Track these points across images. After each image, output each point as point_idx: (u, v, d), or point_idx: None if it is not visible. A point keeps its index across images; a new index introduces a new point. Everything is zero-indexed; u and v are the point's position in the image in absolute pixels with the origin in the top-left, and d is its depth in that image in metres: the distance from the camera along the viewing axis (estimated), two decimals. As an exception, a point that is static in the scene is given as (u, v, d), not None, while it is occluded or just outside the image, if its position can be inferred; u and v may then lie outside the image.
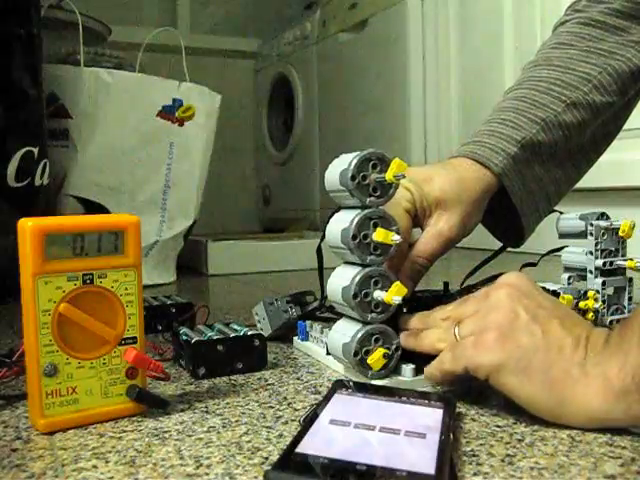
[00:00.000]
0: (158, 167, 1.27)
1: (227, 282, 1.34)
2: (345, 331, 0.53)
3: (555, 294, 0.61)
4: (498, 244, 0.73)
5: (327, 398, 0.43)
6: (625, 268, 0.64)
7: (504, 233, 0.72)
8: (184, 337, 0.59)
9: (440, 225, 0.61)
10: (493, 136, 0.66)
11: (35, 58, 1.06)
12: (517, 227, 0.69)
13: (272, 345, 0.69)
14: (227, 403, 0.50)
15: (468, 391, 0.49)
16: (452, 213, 0.61)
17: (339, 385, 0.46)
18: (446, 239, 0.61)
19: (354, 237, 0.51)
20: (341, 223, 0.53)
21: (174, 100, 1.27)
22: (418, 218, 0.62)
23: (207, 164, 1.38)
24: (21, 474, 0.38)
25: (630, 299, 0.65)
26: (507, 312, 0.45)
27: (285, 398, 0.51)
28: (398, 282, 0.52)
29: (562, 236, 0.69)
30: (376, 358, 0.52)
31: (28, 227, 0.43)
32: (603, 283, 0.63)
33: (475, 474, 0.36)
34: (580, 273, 0.66)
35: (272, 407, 0.49)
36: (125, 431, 0.44)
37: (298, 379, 0.57)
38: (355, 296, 0.51)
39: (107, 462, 0.39)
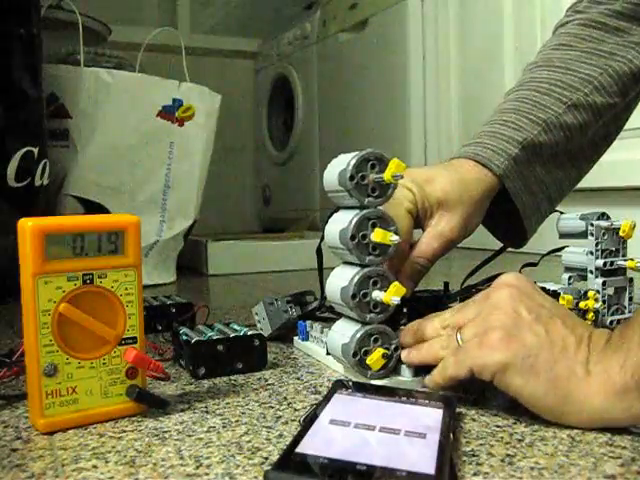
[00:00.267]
0: (158, 167, 1.27)
1: (227, 282, 1.34)
2: (344, 331, 0.53)
3: (555, 294, 0.61)
4: (498, 244, 0.73)
5: (327, 398, 0.43)
6: (625, 268, 0.64)
7: (505, 234, 0.72)
8: (184, 337, 0.59)
9: (441, 226, 0.61)
10: (494, 137, 0.66)
11: (35, 58, 1.06)
12: (519, 228, 0.69)
13: (272, 345, 0.69)
14: (227, 403, 0.50)
15: (470, 392, 0.49)
16: (453, 214, 0.61)
17: (339, 385, 0.46)
18: (447, 240, 0.61)
19: (353, 237, 0.51)
20: (340, 223, 0.52)
21: (174, 100, 1.27)
22: (419, 219, 0.61)
23: (207, 164, 1.38)
24: (21, 474, 0.38)
25: (630, 299, 0.65)
26: (510, 312, 0.45)
27: (285, 398, 0.51)
28: (397, 282, 0.52)
29: (562, 236, 0.69)
30: (375, 358, 0.52)
31: (28, 227, 0.43)
32: (603, 283, 0.63)
33: (475, 474, 0.36)
34: (580, 273, 0.66)
35: (272, 407, 0.49)
36: (125, 431, 0.44)
37: (298, 379, 0.57)
38: (354, 296, 0.51)
39: (107, 462, 0.39)
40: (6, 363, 0.56)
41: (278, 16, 2.98)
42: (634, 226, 0.64)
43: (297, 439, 0.36)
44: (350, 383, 0.47)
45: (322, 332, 0.63)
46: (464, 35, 1.94)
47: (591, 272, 0.64)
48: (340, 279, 0.53)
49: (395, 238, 0.51)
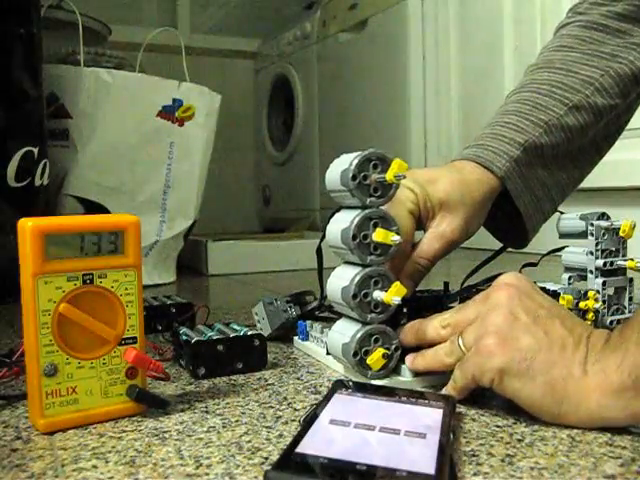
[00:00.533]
0: (158, 167, 1.27)
1: (227, 282, 1.34)
2: (344, 331, 0.53)
3: (555, 294, 0.61)
4: (498, 244, 0.73)
5: (327, 398, 0.43)
6: (625, 268, 0.64)
7: (507, 235, 0.72)
8: (184, 337, 0.59)
9: (443, 227, 0.61)
10: (496, 139, 0.66)
11: (35, 58, 1.06)
12: (520, 229, 0.69)
13: (272, 345, 0.69)
14: (227, 403, 0.50)
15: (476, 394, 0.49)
16: (455, 215, 0.61)
17: (339, 385, 0.46)
18: (448, 241, 0.61)
19: (354, 237, 0.51)
20: (341, 223, 0.53)
21: (174, 100, 1.27)
22: (421, 219, 0.62)
23: (207, 164, 1.38)
24: (21, 474, 0.38)
25: (630, 299, 0.65)
26: (506, 314, 0.45)
27: (285, 398, 0.51)
28: (398, 282, 0.52)
29: (562, 236, 0.69)
30: (375, 358, 0.52)
31: (28, 227, 0.43)
32: (603, 283, 0.63)
33: (475, 474, 0.36)
34: (580, 273, 0.66)
35: (272, 407, 0.49)
36: (125, 431, 0.44)
37: (298, 379, 0.57)
38: (355, 296, 0.51)
39: (107, 462, 0.39)
40: (6, 363, 0.56)
41: (278, 16, 2.98)
42: (634, 226, 0.64)
43: (297, 439, 0.36)
44: (350, 383, 0.47)
45: (322, 332, 0.63)
46: (464, 35, 1.94)
47: (591, 272, 0.64)
48: (341, 279, 0.53)
49: (396, 238, 0.51)
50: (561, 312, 0.47)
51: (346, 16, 2.30)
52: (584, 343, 0.43)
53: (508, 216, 0.69)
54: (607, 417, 0.41)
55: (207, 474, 0.37)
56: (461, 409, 0.47)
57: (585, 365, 0.42)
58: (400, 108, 2.06)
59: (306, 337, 0.67)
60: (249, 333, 0.60)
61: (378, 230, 0.51)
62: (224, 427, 0.45)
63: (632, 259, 0.63)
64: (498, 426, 0.44)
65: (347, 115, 2.34)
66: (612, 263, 0.63)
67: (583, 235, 0.65)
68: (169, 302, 0.80)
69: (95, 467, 0.38)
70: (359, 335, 0.52)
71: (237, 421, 0.46)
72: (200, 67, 1.80)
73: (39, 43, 1.07)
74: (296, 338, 0.69)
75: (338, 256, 0.55)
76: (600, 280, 0.63)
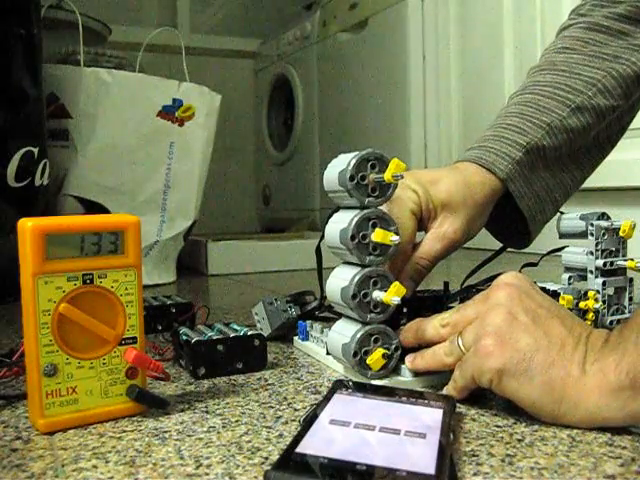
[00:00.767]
0: (158, 167, 1.27)
1: (227, 282, 1.34)
2: (344, 331, 0.53)
3: (555, 294, 0.61)
4: (498, 244, 0.73)
5: (327, 398, 0.43)
6: (625, 268, 0.64)
7: (508, 236, 0.72)
8: (184, 337, 0.59)
9: (444, 228, 0.61)
10: (498, 141, 0.66)
11: (35, 58, 1.06)
12: (522, 230, 0.69)
13: (272, 345, 0.69)
14: (227, 403, 0.50)
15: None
16: (457, 216, 0.61)
17: (339, 385, 0.46)
18: (450, 242, 0.61)
19: (353, 237, 0.51)
20: (340, 223, 0.53)
21: (174, 100, 1.27)
22: (423, 220, 0.62)
23: (207, 164, 1.38)
24: (21, 474, 0.38)
25: (630, 299, 0.65)
26: (505, 314, 0.45)
27: (285, 398, 0.51)
28: (397, 282, 0.52)
29: (562, 236, 0.69)
30: (375, 358, 0.52)
31: (28, 227, 0.43)
32: (603, 283, 0.63)
33: (475, 474, 0.36)
34: (580, 273, 0.66)
35: (272, 407, 0.49)
36: (125, 431, 0.44)
37: (298, 379, 0.57)
38: (354, 296, 0.51)
39: (107, 462, 0.39)
40: (6, 363, 0.56)
41: (278, 16, 2.98)
42: (634, 226, 0.64)
43: (297, 439, 0.36)
44: (350, 383, 0.47)
45: (322, 332, 0.63)
46: (464, 35, 1.94)
47: (591, 272, 0.64)
48: (340, 279, 0.53)
49: (395, 238, 0.51)
50: (561, 312, 0.47)
51: (346, 16, 2.30)
52: (583, 343, 0.43)
53: (510, 217, 0.69)
54: (605, 417, 0.41)
55: (207, 474, 0.37)
56: (461, 409, 0.47)
57: (584, 365, 0.42)
58: (400, 108, 2.06)
59: (306, 337, 0.67)
60: (249, 333, 0.60)
61: (377, 230, 0.51)
62: (224, 427, 0.45)
63: (632, 259, 0.63)
64: (498, 426, 0.44)
65: (347, 115, 2.34)
66: (612, 263, 0.63)
67: (583, 235, 0.65)
68: (169, 302, 0.80)
69: (95, 467, 0.38)
70: (359, 335, 0.52)
71: (237, 421, 0.46)
72: (200, 67, 1.81)
73: (39, 43, 1.07)
74: (296, 338, 0.69)
75: (337, 256, 0.55)
76: (600, 280, 0.63)
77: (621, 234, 0.64)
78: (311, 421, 0.39)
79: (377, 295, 0.52)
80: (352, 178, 0.50)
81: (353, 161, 0.51)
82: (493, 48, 1.82)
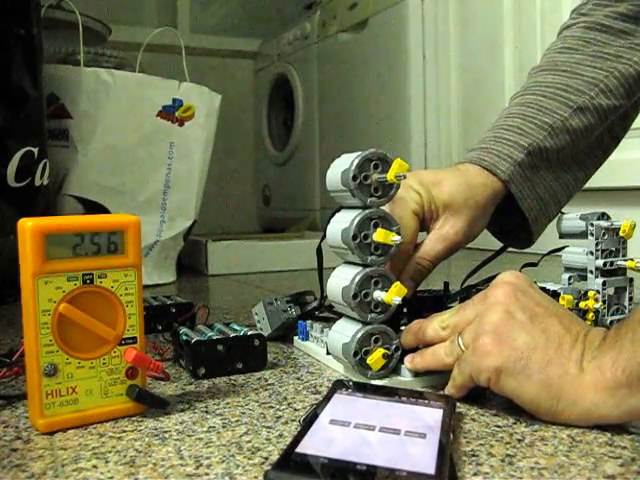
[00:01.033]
0: (158, 167, 1.27)
1: (227, 282, 1.34)
2: (345, 331, 0.53)
3: (555, 294, 0.61)
4: (498, 244, 0.73)
5: (327, 398, 0.43)
6: (625, 268, 0.64)
7: (510, 236, 0.72)
8: (184, 337, 0.59)
9: (446, 229, 0.61)
10: (500, 143, 0.66)
11: (35, 58, 1.06)
12: (525, 231, 0.69)
13: (272, 345, 0.69)
14: (227, 403, 0.50)
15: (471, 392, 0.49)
16: (459, 217, 0.61)
17: (339, 385, 0.46)
18: (451, 243, 0.61)
19: (354, 237, 0.51)
20: (342, 223, 0.53)
21: (174, 100, 1.27)
22: (425, 221, 0.62)
23: (207, 164, 1.38)
24: (21, 474, 0.38)
25: (630, 299, 0.65)
26: (502, 312, 0.45)
27: (285, 398, 0.51)
28: (398, 282, 0.52)
29: (563, 236, 0.69)
30: (376, 358, 0.52)
31: (28, 227, 0.43)
32: (604, 283, 0.63)
33: (475, 474, 0.36)
34: (580, 273, 0.66)
35: (272, 407, 0.49)
36: (125, 431, 0.44)
37: (298, 379, 0.57)
38: (355, 296, 0.51)
39: (107, 462, 0.39)
40: (6, 363, 0.56)
41: (278, 16, 2.98)
42: (634, 226, 0.64)
43: (297, 439, 0.36)
44: (350, 383, 0.47)
45: (322, 332, 0.63)
46: (464, 35, 1.94)
47: (591, 272, 0.64)
48: (341, 279, 0.53)
49: (397, 238, 0.51)
50: (559, 310, 0.47)
51: (346, 16, 2.30)
52: (581, 341, 0.43)
53: (512, 218, 0.69)
54: (602, 414, 0.41)
55: (207, 474, 0.37)
56: (461, 409, 0.47)
57: (581, 363, 0.42)
58: (400, 108, 2.06)
59: (306, 337, 0.67)
60: (249, 333, 0.60)
61: (379, 230, 0.51)
62: (224, 427, 0.45)
63: (632, 259, 0.63)
64: (498, 426, 0.44)
65: (347, 115, 2.34)
66: (612, 263, 0.63)
67: (583, 235, 0.65)
68: (169, 302, 0.80)
69: (95, 467, 0.38)
70: (359, 335, 0.52)
71: (237, 421, 0.46)
72: (200, 67, 1.81)
73: (39, 43, 1.07)
74: (296, 338, 0.69)
75: (338, 256, 0.55)
76: (600, 280, 0.63)
77: (621, 234, 0.64)
78: (311, 421, 0.39)
79: (378, 295, 0.52)
80: (355, 178, 0.50)
81: (356, 161, 0.51)
82: (493, 48, 1.82)
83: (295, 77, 2.66)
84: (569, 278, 0.67)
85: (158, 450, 0.41)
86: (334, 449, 0.35)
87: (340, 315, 0.57)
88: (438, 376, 0.52)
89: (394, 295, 0.51)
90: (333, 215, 0.56)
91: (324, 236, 0.57)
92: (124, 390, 0.47)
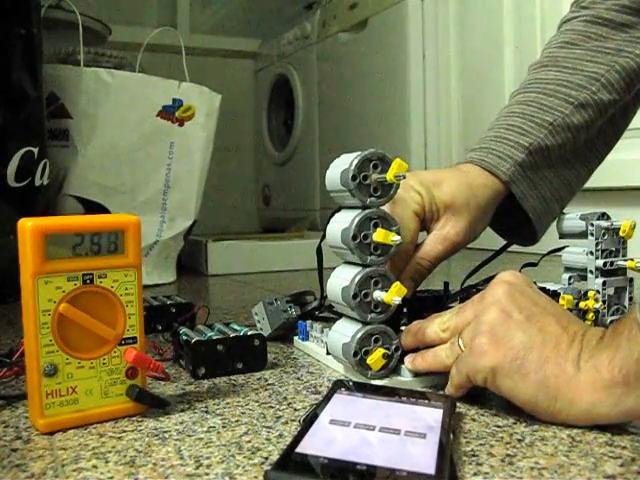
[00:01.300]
0: (158, 167, 1.27)
1: (227, 282, 1.34)
2: (345, 331, 0.53)
3: (555, 294, 0.61)
4: (498, 244, 0.73)
5: (327, 398, 0.43)
6: (626, 268, 0.64)
7: (515, 234, 0.72)
8: (184, 337, 0.59)
9: (447, 229, 0.61)
10: (501, 143, 0.66)
11: (35, 58, 1.06)
12: (529, 229, 0.69)
13: (272, 345, 0.69)
14: (227, 403, 0.50)
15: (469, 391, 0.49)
16: (459, 218, 0.61)
17: (339, 385, 0.46)
18: (452, 243, 0.61)
19: (354, 237, 0.51)
20: (341, 223, 0.53)
21: (174, 100, 1.27)
22: (426, 221, 0.62)
23: (207, 164, 1.38)
24: (21, 474, 0.38)
25: (631, 299, 0.65)
26: (499, 312, 0.45)
27: (285, 398, 0.51)
28: (398, 282, 0.52)
29: (562, 236, 0.69)
30: (376, 358, 0.52)
31: (28, 227, 0.43)
32: (604, 283, 0.63)
33: (475, 474, 0.36)
34: (580, 273, 0.66)
35: (272, 407, 0.49)
36: (125, 431, 0.44)
37: (298, 379, 0.57)
38: (355, 296, 0.51)
39: (107, 462, 0.39)
40: (6, 363, 0.56)
41: (278, 16, 2.98)
42: (634, 226, 0.64)
43: (297, 439, 0.36)
44: (350, 383, 0.47)
45: (322, 332, 0.63)
46: (464, 35, 1.94)
47: (591, 272, 0.64)
48: (341, 279, 0.53)
49: (397, 238, 0.51)
50: (557, 310, 0.46)
51: (346, 16, 2.30)
52: (578, 341, 0.43)
53: (516, 217, 0.69)
54: (600, 414, 0.41)
55: (207, 474, 0.37)
56: (461, 409, 0.47)
57: (578, 362, 0.42)
58: (400, 108, 2.06)
59: (306, 337, 0.67)
60: (249, 333, 0.60)
61: (378, 230, 0.51)
62: (224, 427, 0.45)
63: (632, 259, 0.63)
64: (498, 426, 0.44)
65: (347, 115, 2.34)
66: (612, 263, 0.63)
67: (583, 235, 0.65)
68: (169, 302, 0.80)
69: (95, 467, 0.38)
70: (359, 335, 0.52)
71: (237, 421, 0.46)
72: (200, 67, 1.80)
73: (39, 43, 1.07)
74: (296, 338, 0.69)
75: (338, 256, 0.55)
76: (600, 280, 0.63)
77: (621, 234, 0.64)
78: (311, 421, 0.39)
79: (378, 295, 0.52)
80: (354, 178, 0.50)
81: (355, 161, 0.51)
82: (493, 48, 1.82)
83: (295, 77, 2.66)
84: (569, 278, 0.67)
85: (158, 450, 0.41)
86: (334, 449, 0.35)
87: (340, 315, 0.57)
88: (438, 376, 0.52)
89: (394, 295, 0.51)
90: (333, 215, 0.56)
91: (324, 236, 0.57)
92: (124, 390, 0.47)
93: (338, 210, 0.56)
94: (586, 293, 0.62)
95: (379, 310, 0.52)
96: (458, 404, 0.47)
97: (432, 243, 0.61)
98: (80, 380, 0.45)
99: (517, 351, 0.43)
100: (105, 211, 1.20)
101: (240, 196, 3.00)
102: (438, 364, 0.50)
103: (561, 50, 0.70)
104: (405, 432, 0.38)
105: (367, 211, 0.51)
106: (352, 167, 0.50)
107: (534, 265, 0.72)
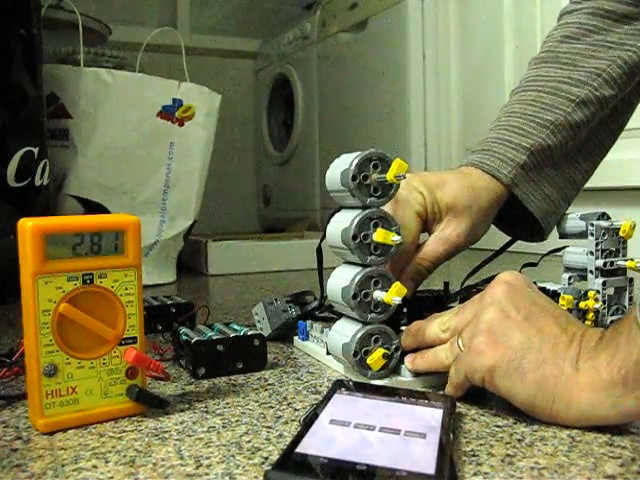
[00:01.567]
0: (158, 167, 1.27)
1: (227, 282, 1.34)
2: (345, 331, 0.53)
3: (555, 294, 0.61)
4: (498, 244, 0.73)
5: (327, 398, 0.43)
6: (626, 268, 0.64)
7: (523, 232, 0.72)
8: (184, 337, 0.59)
9: (448, 231, 0.61)
10: (502, 145, 0.66)
11: (35, 58, 1.06)
12: (537, 226, 0.69)
13: (272, 345, 0.69)
14: (227, 403, 0.50)
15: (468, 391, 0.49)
16: (461, 220, 0.62)
17: (339, 385, 0.46)
18: (452, 245, 0.61)
19: (354, 237, 0.51)
20: (342, 223, 0.53)
21: (174, 100, 1.27)
22: (427, 222, 0.62)
23: (207, 164, 1.38)
24: (21, 474, 0.38)
25: (631, 299, 0.65)
26: (497, 312, 0.45)
27: (285, 398, 0.51)
28: (398, 282, 0.52)
29: (563, 236, 0.69)
30: (375, 358, 0.52)
31: (28, 227, 0.43)
32: (604, 283, 0.63)
33: (475, 474, 0.36)
34: (581, 273, 0.66)
35: (272, 407, 0.49)
36: (125, 431, 0.44)
37: (298, 379, 0.57)
38: (355, 296, 0.51)
39: (107, 462, 0.39)
40: (6, 363, 0.56)
41: (278, 16, 2.98)
42: (634, 226, 0.64)
43: (297, 439, 0.36)
44: (350, 383, 0.47)
45: (322, 332, 0.63)
46: (464, 35, 1.94)
47: (591, 272, 0.64)
48: (341, 279, 0.53)
49: (397, 238, 0.51)
50: (555, 310, 0.46)
51: (346, 16, 2.30)
52: (577, 341, 0.43)
53: (522, 216, 0.68)
54: (598, 415, 0.41)
55: (207, 474, 0.37)
56: (461, 409, 0.47)
57: (577, 363, 0.42)
58: (400, 108, 2.06)
59: (306, 337, 0.67)
60: (249, 333, 0.60)
61: (378, 230, 0.51)
62: (224, 427, 0.45)
63: (632, 259, 0.63)
64: (498, 426, 0.44)
65: (347, 115, 2.34)
66: (612, 263, 0.63)
67: (583, 235, 0.65)
68: (169, 302, 0.80)
69: (95, 467, 0.38)
70: (359, 335, 0.52)
71: (237, 421, 0.46)
72: (200, 67, 1.80)
73: (39, 43, 1.07)
74: (296, 338, 0.69)
75: (338, 256, 0.55)
76: (600, 280, 0.63)
77: (621, 234, 0.64)
78: (311, 421, 0.39)
79: (378, 295, 0.52)
80: (354, 178, 0.50)
81: (355, 161, 0.51)
82: (493, 48, 1.82)
83: (295, 77, 2.66)
84: (569, 278, 0.67)
85: (158, 450, 0.41)
86: (334, 449, 0.35)
87: (340, 315, 0.57)
88: (438, 376, 0.52)
89: (394, 295, 0.51)
90: (333, 215, 0.56)
91: (324, 236, 0.57)
92: (124, 390, 0.47)
93: (338, 210, 0.56)
94: (586, 293, 0.62)
95: (379, 310, 0.52)
96: (458, 404, 0.47)
97: (433, 244, 0.61)
98: (80, 380, 0.45)
99: (515, 351, 0.43)
100: (105, 211, 1.20)
101: (240, 196, 3.00)
102: (438, 364, 0.50)
103: (562, 45, 0.69)
104: (405, 432, 0.38)
105: (367, 211, 0.51)
106: (352, 167, 0.50)
107: (534, 265, 0.72)
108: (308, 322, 0.67)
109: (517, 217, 0.69)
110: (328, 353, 0.58)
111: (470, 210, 0.62)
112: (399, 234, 0.52)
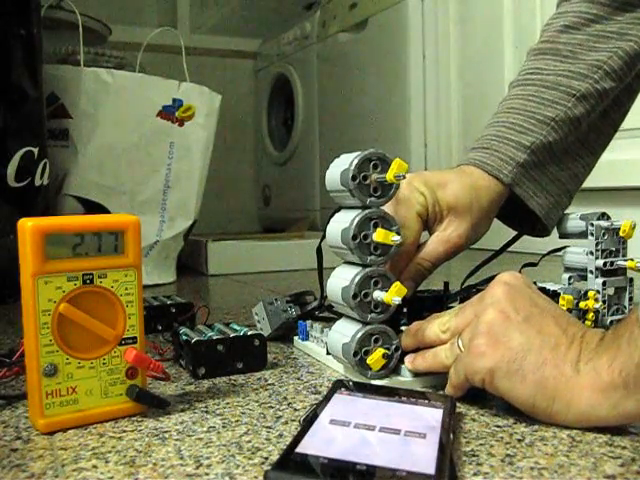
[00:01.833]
0: (158, 167, 1.27)
1: (227, 282, 1.34)
2: (345, 331, 0.53)
3: (555, 294, 0.61)
4: (498, 244, 0.73)
5: (327, 398, 0.43)
6: (626, 268, 0.64)
7: (527, 227, 0.72)
8: (184, 337, 0.59)
9: (449, 231, 0.61)
10: (502, 143, 0.65)
11: (35, 58, 1.06)
12: (540, 222, 0.69)
13: (272, 345, 0.69)
14: (227, 403, 0.50)
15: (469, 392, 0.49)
16: (462, 220, 0.61)
17: (339, 385, 0.46)
18: (453, 245, 0.61)
19: (354, 237, 0.51)
20: (341, 223, 0.53)
21: (174, 100, 1.27)
22: (428, 222, 0.62)
23: (207, 164, 1.38)
24: (21, 474, 0.38)
25: (631, 299, 0.65)
26: (498, 313, 0.45)
27: (285, 398, 0.51)
28: (398, 282, 0.52)
29: (563, 236, 0.69)
30: (375, 358, 0.52)
31: (28, 227, 0.43)
32: (604, 283, 0.63)
33: (475, 474, 0.36)
34: (581, 273, 0.66)
35: (272, 407, 0.49)
36: (125, 431, 0.44)
37: (298, 379, 0.57)
38: (355, 296, 0.51)
39: (107, 462, 0.39)
40: (6, 363, 0.56)
41: (278, 16, 2.98)
42: (634, 226, 0.64)
43: (297, 439, 0.36)
44: (350, 383, 0.47)
45: (322, 332, 0.63)
46: (464, 35, 1.94)
47: (591, 272, 0.64)
48: (341, 279, 0.53)
49: (397, 238, 0.51)
50: (556, 311, 0.46)
51: (346, 16, 2.30)
52: (578, 342, 0.43)
53: (526, 213, 0.68)
54: (598, 416, 0.41)
55: (207, 474, 0.37)
56: (461, 409, 0.47)
57: (577, 364, 0.41)
58: (400, 108, 2.06)
59: (306, 337, 0.67)
60: (249, 333, 0.60)
61: (378, 230, 0.51)
62: (224, 427, 0.45)
63: (632, 259, 0.63)
64: (498, 426, 0.44)
65: (347, 115, 2.34)
66: (612, 263, 0.63)
67: (583, 235, 0.65)
68: (169, 302, 0.80)
69: (95, 467, 0.38)
70: (359, 335, 0.52)
71: (237, 421, 0.46)
72: (200, 67, 1.80)
73: (39, 43, 1.07)
74: (296, 338, 0.69)
75: (338, 256, 0.55)
76: (600, 280, 0.63)
77: (621, 234, 0.64)
78: (311, 421, 0.39)
79: (378, 295, 0.52)
80: (354, 178, 0.50)
81: (355, 161, 0.51)
82: (493, 48, 1.82)
83: (295, 77, 2.66)
84: (569, 278, 0.67)
85: (158, 450, 0.41)
86: (334, 449, 0.35)
87: (340, 315, 0.57)
88: (438, 376, 0.52)
89: (394, 295, 0.51)
90: (333, 215, 0.56)
91: (324, 236, 0.57)
92: (124, 390, 0.47)
93: (338, 210, 0.56)
94: (586, 293, 0.62)
95: (379, 310, 0.52)
96: (458, 404, 0.47)
97: (434, 244, 0.61)
98: (80, 380, 0.45)
99: (515, 352, 0.43)
100: (105, 211, 1.20)
101: (240, 196, 3.00)
102: (438, 364, 0.50)
103: (561, 35, 0.68)
104: (405, 432, 0.38)
105: (367, 211, 0.51)
106: (352, 167, 0.50)
107: (534, 265, 0.72)
108: (308, 322, 0.67)
109: (520, 213, 0.69)
110: (328, 353, 0.58)
111: (471, 210, 0.62)
112: (399, 234, 0.52)
